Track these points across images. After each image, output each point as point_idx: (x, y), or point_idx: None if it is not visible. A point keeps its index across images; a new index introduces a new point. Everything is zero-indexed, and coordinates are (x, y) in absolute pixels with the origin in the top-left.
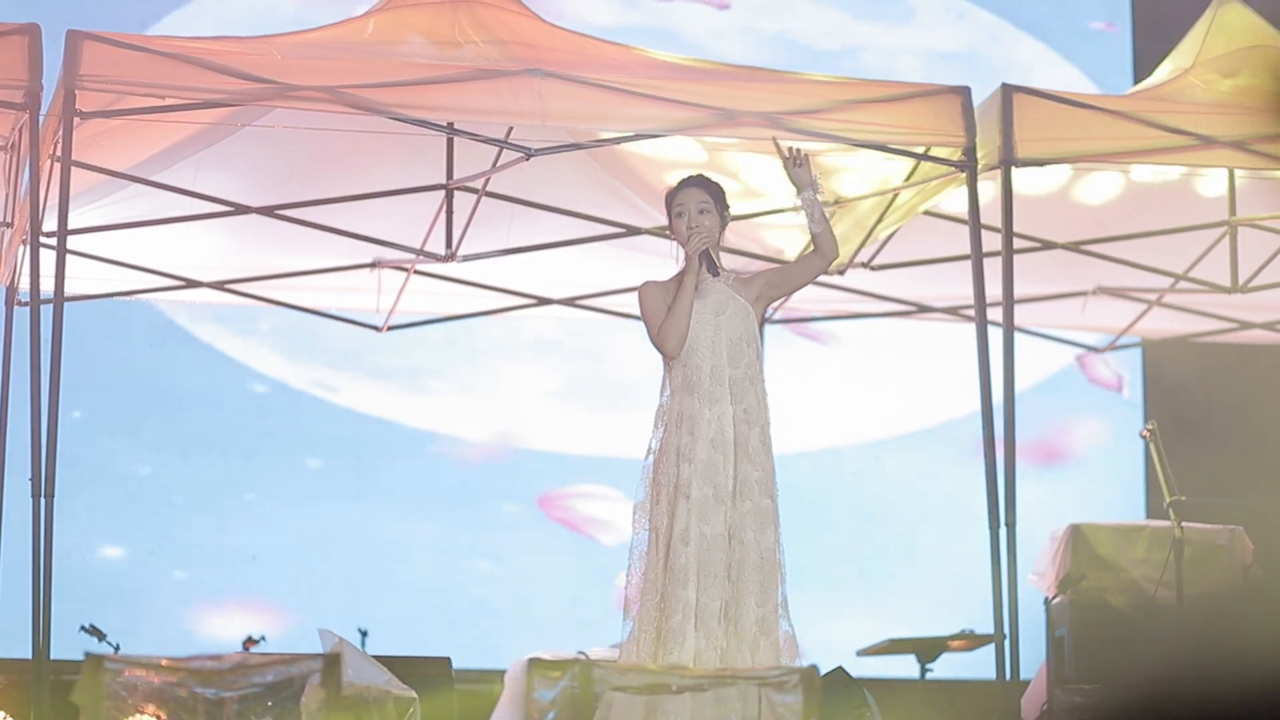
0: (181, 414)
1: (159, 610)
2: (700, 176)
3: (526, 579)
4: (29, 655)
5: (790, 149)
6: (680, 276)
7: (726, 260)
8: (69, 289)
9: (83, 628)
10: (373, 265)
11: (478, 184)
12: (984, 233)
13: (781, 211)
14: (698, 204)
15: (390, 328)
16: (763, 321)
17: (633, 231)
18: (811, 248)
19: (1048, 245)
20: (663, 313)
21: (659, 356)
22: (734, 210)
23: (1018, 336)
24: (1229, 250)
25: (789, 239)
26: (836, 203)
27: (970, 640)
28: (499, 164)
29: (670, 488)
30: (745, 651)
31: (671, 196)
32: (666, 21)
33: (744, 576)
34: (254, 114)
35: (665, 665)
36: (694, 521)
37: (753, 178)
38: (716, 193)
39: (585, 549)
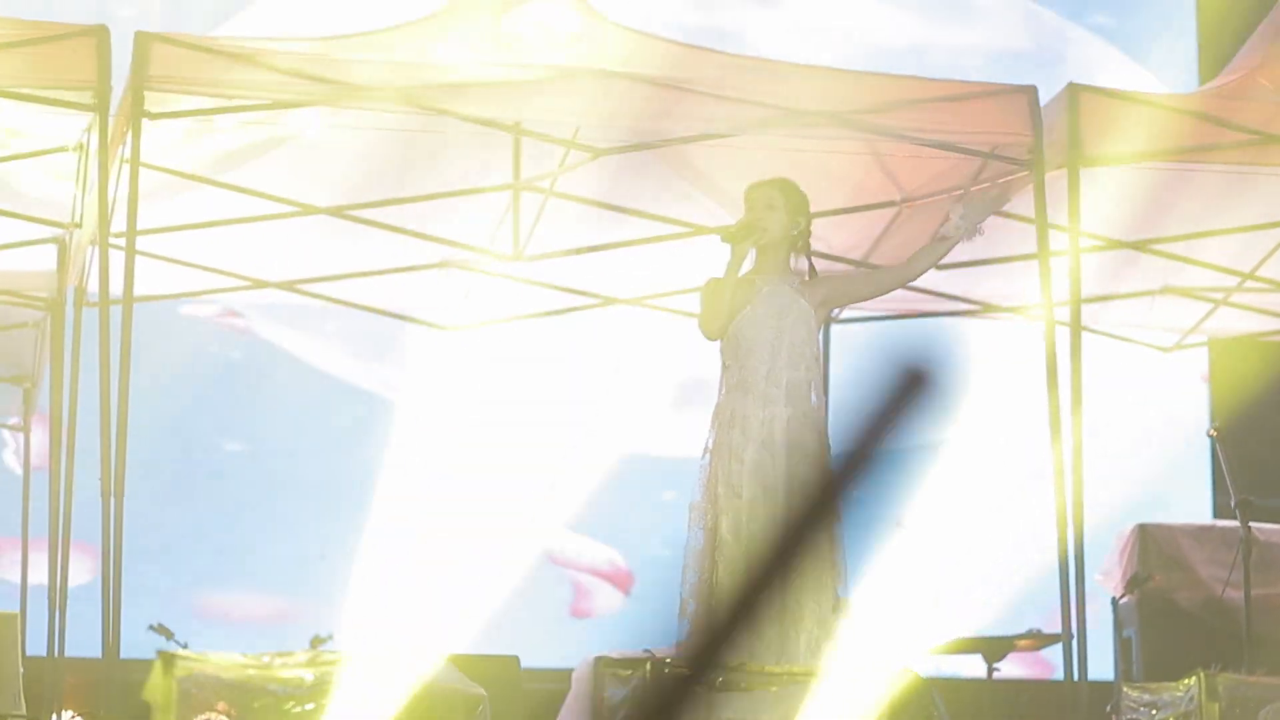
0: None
1: None
2: (778, 178)
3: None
4: (99, 654)
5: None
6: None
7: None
8: (137, 289)
9: (151, 626)
10: (439, 265)
11: (545, 184)
12: (1051, 231)
13: None
14: (765, 200)
15: (457, 328)
16: (828, 323)
17: (700, 231)
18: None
19: (1114, 244)
20: (713, 303)
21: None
22: None
23: (1085, 336)
24: None
25: None
26: (904, 202)
27: (1037, 640)
28: (566, 164)
29: (723, 487)
30: (803, 652)
31: (747, 192)
32: (730, 22)
33: (800, 577)
34: (320, 114)
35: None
36: (745, 521)
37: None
38: (790, 195)
39: None
